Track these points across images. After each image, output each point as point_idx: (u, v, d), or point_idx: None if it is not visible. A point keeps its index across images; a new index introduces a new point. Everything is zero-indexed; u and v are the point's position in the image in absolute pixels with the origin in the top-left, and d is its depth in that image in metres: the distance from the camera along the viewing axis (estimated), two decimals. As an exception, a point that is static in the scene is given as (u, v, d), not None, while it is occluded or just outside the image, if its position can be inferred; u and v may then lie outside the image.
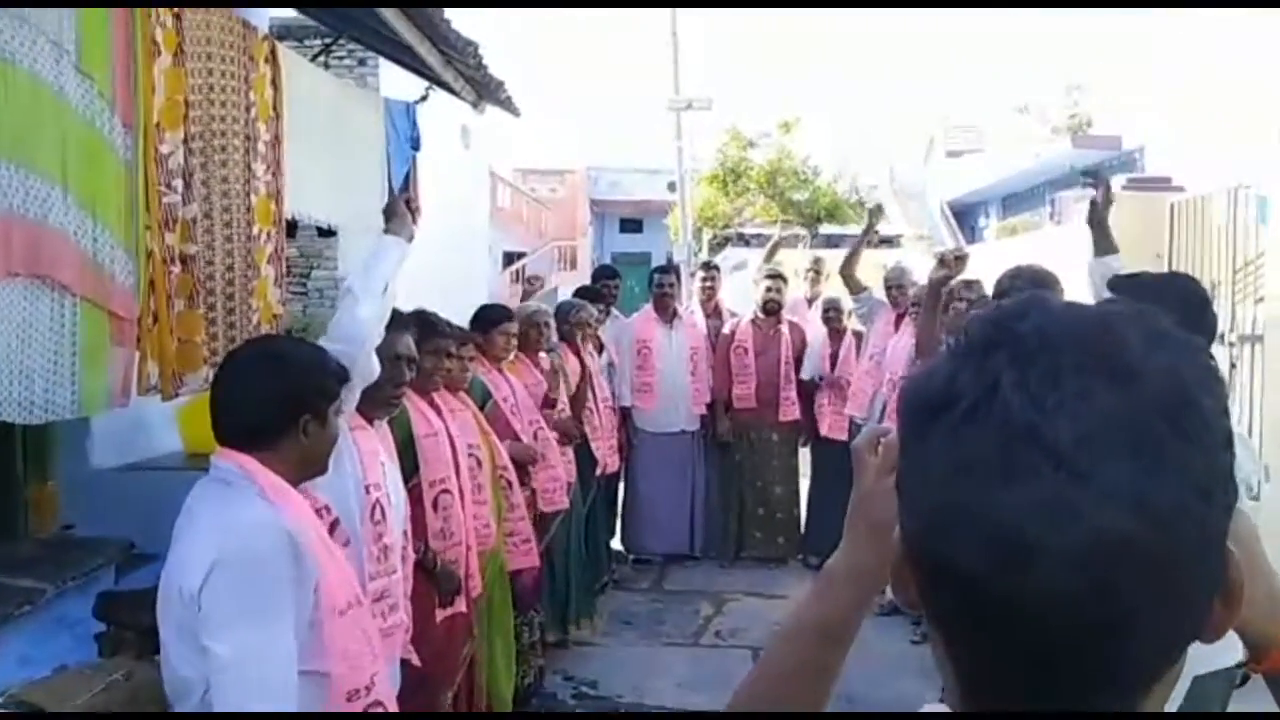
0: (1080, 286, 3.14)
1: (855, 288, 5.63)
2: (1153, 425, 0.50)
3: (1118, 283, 2.39)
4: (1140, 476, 0.49)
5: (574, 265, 24.35)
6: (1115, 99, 15.17)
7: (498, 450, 3.54)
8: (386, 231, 2.48)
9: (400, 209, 2.53)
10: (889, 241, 18.69)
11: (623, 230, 28.73)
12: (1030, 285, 3.11)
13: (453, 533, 3.00)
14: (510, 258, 24.82)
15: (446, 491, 2.98)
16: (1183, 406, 0.51)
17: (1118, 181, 7.89)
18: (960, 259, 3.30)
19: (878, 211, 5.68)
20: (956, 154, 22.18)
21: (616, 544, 6.13)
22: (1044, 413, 0.50)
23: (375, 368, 2.37)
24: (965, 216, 22.15)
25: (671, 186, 18.40)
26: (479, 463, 3.32)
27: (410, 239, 2.50)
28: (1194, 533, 0.50)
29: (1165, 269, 6.44)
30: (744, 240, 19.22)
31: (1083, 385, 0.50)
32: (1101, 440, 0.49)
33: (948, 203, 21.87)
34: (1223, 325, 5.92)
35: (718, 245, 19.30)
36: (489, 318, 4.08)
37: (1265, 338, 4.63)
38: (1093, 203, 3.18)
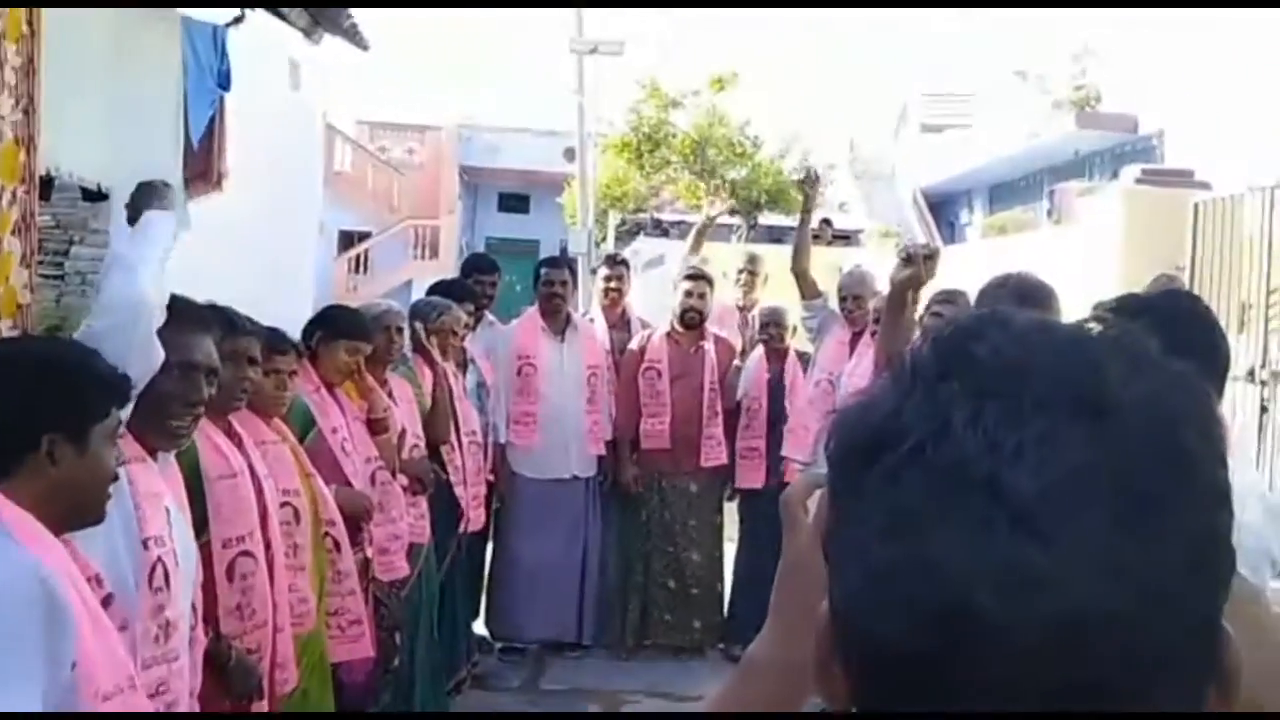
0: (1085, 300, 3.26)
1: (809, 290, 5.73)
2: (1132, 475, 0.52)
3: (1108, 305, 2.49)
4: (1117, 539, 0.51)
5: (435, 252, 24.21)
6: (1131, 70, 15.87)
7: (323, 499, 3.48)
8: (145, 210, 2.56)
9: (157, 189, 2.60)
10: (847, 238, 19.15)
11: (503, 209, 28.68)
12: (1016, 301, 3.22)
13: (254, 610, 2.92)
14: (349, 238, 24.54)
15: (248, 554, 2.91)
16: (1168, 452, 0.53)
17: (1130, 173, 8.29)
18: (930, 257, 3.38)
19: (811, 180, 5.77)
20: (935, 129, 22.92)
21: (480, 627, 6.08)
22: (1002, 457, 0.52)
23: (158, 354, 2.37)
24: (943, 209, 22.90)
25: (570, 154, 18.46)
26: (296, 515, 3.25)
27: (179, 219, 2.55)
28: (1182, 609, 0.53)
29: (1185, 284, 6.80)
30: (661, 228, 19.37)
31: (1049, 424, 0.53)
32: (1070, 492, 0.52)
33: (922, 190, 22.56)
34: (1252, 358, 6.26)
35: (627, 233, 19.43)
36: (334, 325, 4.01)
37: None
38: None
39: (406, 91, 26.37)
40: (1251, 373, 6.15)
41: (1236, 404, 5.82)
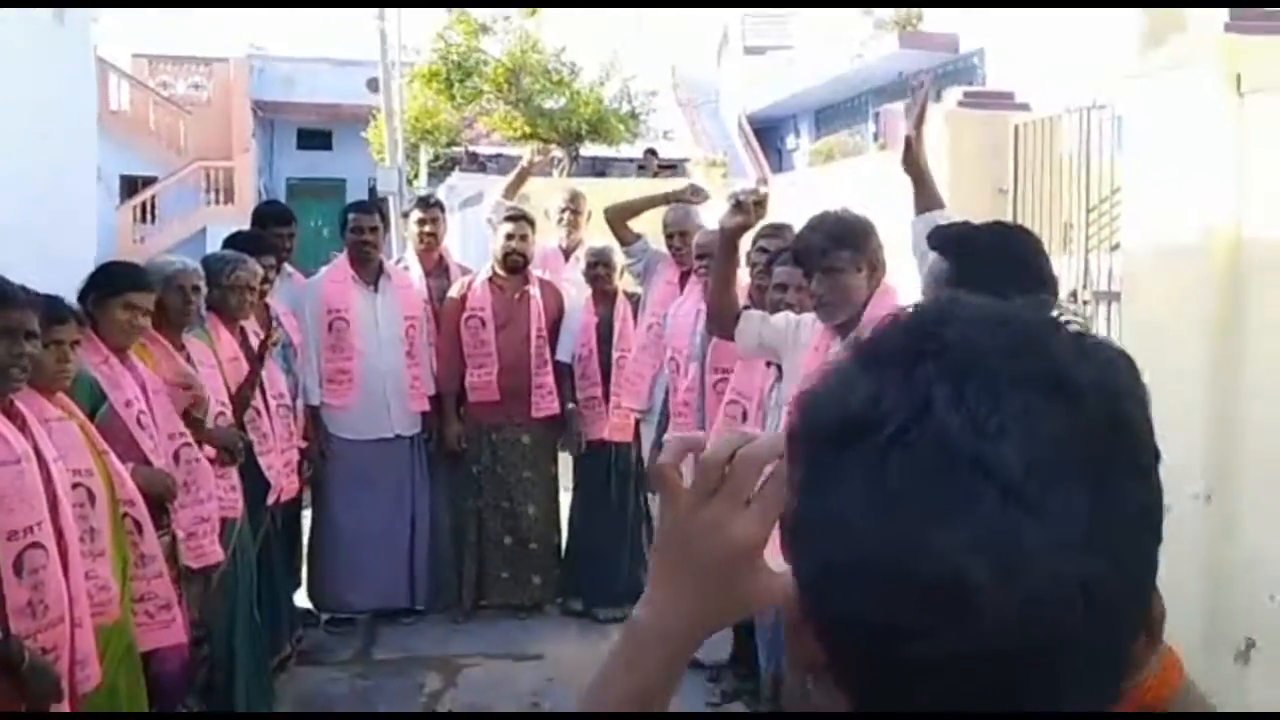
0: (909, 233, 3.39)
1: (625, 237, 5.80)
2: (1096, 447, 0.58)
3: (940, 236, 2.65)
4: (1094, 507, 0.57)
5: (230, 197, 23.45)
6: (950, -12, 16.38)
7: (119, 478, 3.38)
8: None
9: None
10: (672, 168, 19.33)
11: (303, 146, 27.91)
12: (831, 242, 3.34)
13: (48, 606, 2.84)
14: (132, 184, 23.51)
15: (37, 545, 2.82)
16: (1120, 425, 0.61)
17: (952, 95, 8.59)
18: (760, 203, 3.48)
19: (696, 193, 5.81)
20: (758, 50, 23.25)
21: (302, 599, 6.00)
22: (987, 435, 0.57)
23: None
24: (769, 134, 23.33)
25: (374, 85, 18.03)
26: (91, 497, 3.17)
27: None
28: (1141, 565, 0.60)
29: (1009, 206, 7.11)
30: (478, 163, 19.16)
31: (1024, 403, 0.58)
32: (1052, 466, 0.57)
33: (747, 116, 22.91)
34: (1075, 279, 6.60)
35: (441, 169, 19.15)
36: (109, 282, 3.84)
37: (1124, 296, 5.16)
38: (907, 140, 3.41)
39: (188, 21, 25.17)
40: (1074, 294, 6.48)
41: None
